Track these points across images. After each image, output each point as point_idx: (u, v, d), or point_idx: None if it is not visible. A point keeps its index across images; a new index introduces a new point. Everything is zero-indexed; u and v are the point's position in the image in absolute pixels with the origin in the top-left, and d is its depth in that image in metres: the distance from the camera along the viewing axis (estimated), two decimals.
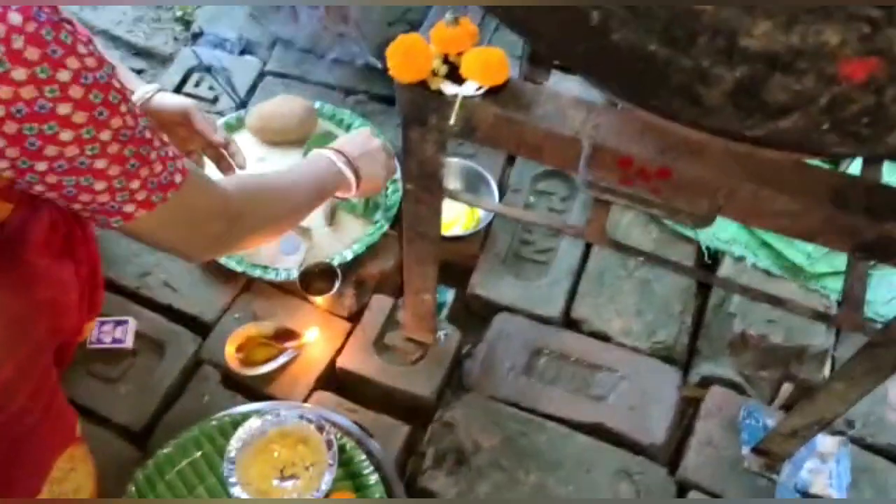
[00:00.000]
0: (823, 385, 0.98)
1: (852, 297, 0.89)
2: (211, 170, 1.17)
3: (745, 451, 1.20)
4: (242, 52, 1.66)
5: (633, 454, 1.20)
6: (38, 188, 0.73)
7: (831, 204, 0.72)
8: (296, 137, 1.45)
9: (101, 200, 0.76)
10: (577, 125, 0.75)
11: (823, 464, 1.18)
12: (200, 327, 1.28)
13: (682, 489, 1.17)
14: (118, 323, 1.23)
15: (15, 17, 0.64)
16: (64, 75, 0.66)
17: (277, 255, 1.32)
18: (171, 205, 0.80)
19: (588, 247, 1.41)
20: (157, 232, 0.83)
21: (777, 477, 1.18)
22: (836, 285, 1.35)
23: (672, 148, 0.74)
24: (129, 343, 1.22)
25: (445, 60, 0.77)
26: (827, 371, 1.29)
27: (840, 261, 1.37)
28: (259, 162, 1.44)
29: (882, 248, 0.72)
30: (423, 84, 0.76)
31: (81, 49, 0.68)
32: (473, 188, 1.43)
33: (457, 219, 1.41)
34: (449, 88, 0.75)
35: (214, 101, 1.58)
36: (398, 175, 1.36)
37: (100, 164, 0.72)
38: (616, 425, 1.22)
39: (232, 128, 1.47)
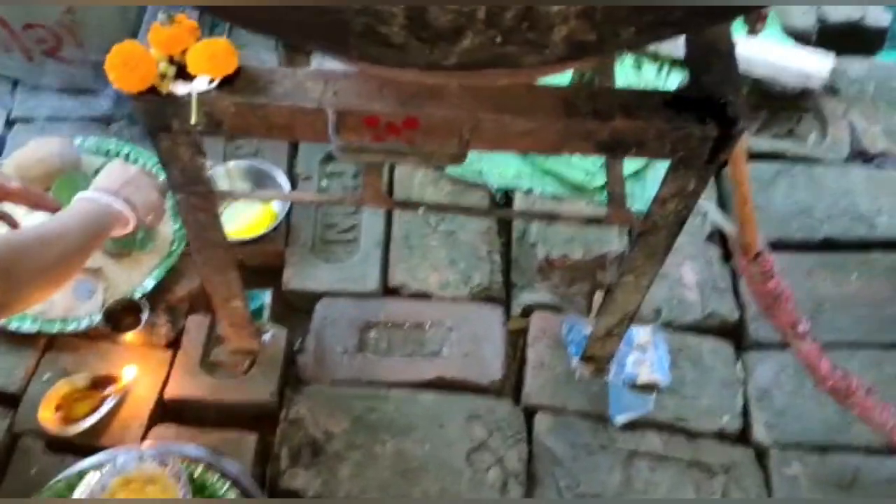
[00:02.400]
0: (616, 282, 1.06)
1: (615, 195, 0.97)
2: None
3: (574, 362, 1.28)
4: None
5: (478, 396, 1.25)
6: None
7: (564, 115, 0.78)
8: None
9: None
10: (318, 95, 0.76)
11: (644, 354, 1.28)
12: (8, 400, 1.19)
13: (529, 414, 1.24)
14: None
15: None
16: None
17: (73, 304, 1.25)
18: None
19: (389, 216, 1.44)
20: None
21: (607, 378, 1.27)
22: None
23: (412, 98, 0.77)
24: None
25: (171, 61, 0.75)
26: None
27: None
28: (28, 215, 1.34)
29: (616, 143, 0.79)
30: (153, 90, 0.75)
31: None
32: (262, 187, 1.42)
33: (255, 221, 1.39)
34: (180, 88, 0.74)
35: None
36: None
37: None
38: (455, 375, 1.26)
39: None
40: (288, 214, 1.39)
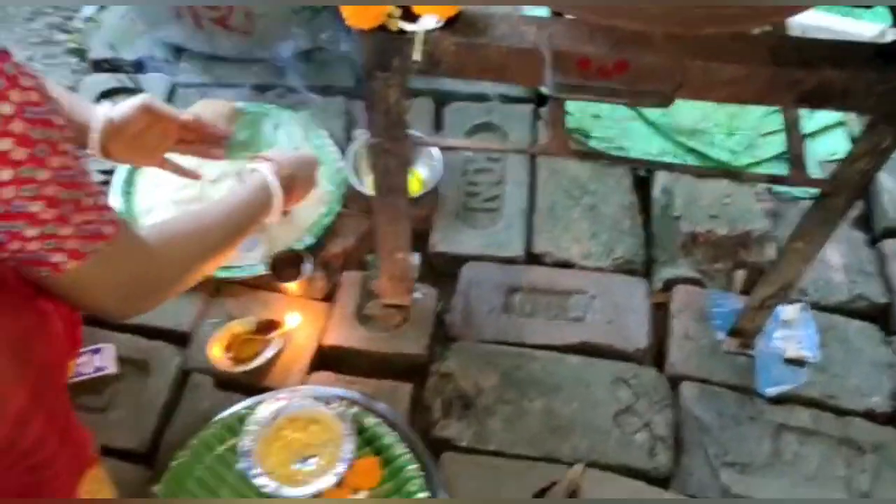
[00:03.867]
0: (785, 246, 1.06)
1: (796, 157, 0.98)
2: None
3: (721, 335, 1.28)
4: (146, 72, 1.63)
5: (622, 362, 1.26)
6: None
7: (772, 63, 0.79)
8: None
9: (30, 248, 0.72)
10: (534, 38, 0.80)
11: (792, 330, 1.28)
12: (180, 339, 1.26)
13: (674, 382, 1.25)
14: (95, 351, 1.20)
15: None
16: (5, 108, 0.64)
17: (237, 255, 1.31)
18: (101, 257, 0.77)
19: (533, 186, 1.47)
20: (87, 287, 0.79)
21: (753, 352, 1.27)
22: (761, 174, 1.46)
23: (622, 43, 0.80)
24: (112, 368, 1.19)
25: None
26: (771, 251, 1.39)
27: (760, 150, 1.49)
28: (197, 168, 1.42)
29: (821, 94, 0.80)
30: (382, 28, 0.80)
31: (25, 82, 0.66)
32: (413, 156, 1.47)
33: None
34: (409, 26, 0.79)
35: None
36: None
37: (34, 207, 0.69)
38: (600, 340, 1.28)
39: None
40: (436, 183, 1.43)
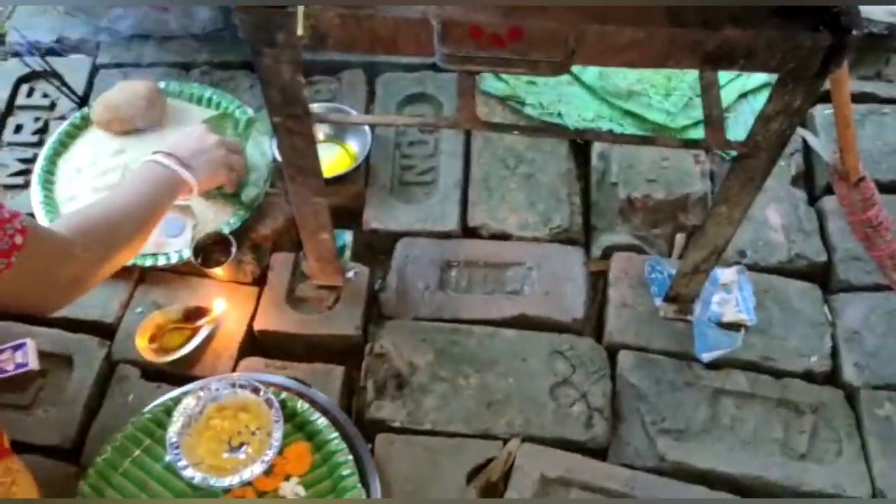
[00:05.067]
0: (709, 213, 1.04)
1: (712, 118, 0.95)
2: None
3: (658, 301, 1.27)
4: (67, 52, 1.58)
5: (559, 334, 1.25)
6: None
7: (670, 24, 0.76)
8: (147, 122, 1.40)
9: None
10: (423, 7, 0.76)
11: (728, 293, 1.27)
12: (104, 330, 1.23)
13: (612, 352, 1.23)
14: (15, 348, 1.17)
15: None
16: None
17: (163, 240, 1.28)
18: (18, 266, 0.80)
19: (467, 158, 1.44)
20: (11, 294, 0.82)
21: (691, 317, 1.25)
22: (698, 134, 1.43)
23: (515, 9, 0.76)
24: (33, 365, 1.16)
25: None
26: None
27: (696, 111, 1.46)
28: (118, 155, 1.38)
29: (726, 54, 0.77)
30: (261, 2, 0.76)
31: None
32: (342, 130, 1.43)
33: (335, 163, 1.41)
34: None
35: (52, 107, 1.50)
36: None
37: None
38: (537, 312, 1.26)
39: (78, 128, 1.41)
40: (367, 157, 1.40)
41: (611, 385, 1.20)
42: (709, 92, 0.96)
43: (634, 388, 1.19)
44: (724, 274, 1.28)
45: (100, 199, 1.08)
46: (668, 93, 1.46)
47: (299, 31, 0.76)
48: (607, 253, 1.35)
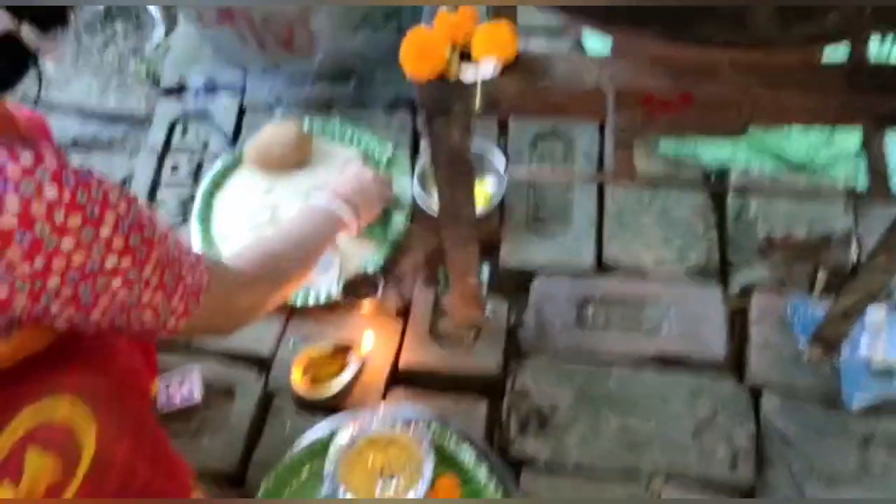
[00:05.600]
0: (866, 261, 1.02)
1: (877, 172, 0.94)
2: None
3: (803, 343, 1.25)
4: (215, 93, 1.68)
5: (700, 374, 1.25)
6: (91, 330, 0.78)
7: (846, 90, 0.76)
8: (295, 162, 1.48)
9: (148, 325, 0.81)
10: (595, 77, 0.79)
11: (877, 334, 1.23)
12: (260, 362, 1.31)
13: (755, 394, 1.22)
14: (182, 381, 1.25)
15: (50, 192, 0.67)
16: (105, 231, 0.71)
17: (314, 276, 1.34)
18: (203, 304, 0.86)
19: (601, 193, 1.45)
20: (196, 329, 0.89)
21: (838, 360, 1.23)
22: (839, 170, 1.40)
23: (685, 74, 0.78)
24: (198, 397, 1.24)
25: (453, 48, 0.80)
26: (854, 251, 1.34)
27: (837, 147, 1.43)
28: (267, 193, 1.46)
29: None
30: (440, 77, 0.80)
31: (112, 198, 0.72)
32: (478, 168, 1.47)
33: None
34: (468, 74, 0.79)
35: (204, 147, 1.60)
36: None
37: (146, 297, 0.78)
38: (676, 351, 1.27)
39: (231, 168, 1.50)
40: (502, 196, 1.43)
41: (755, 428, 1.19)
42: (873, 143, 0.94)
43: (780, 432, 1.18)
44: (873, 313, 1.25)
45: (269, 235, 1.16)
46: (808, 127, 1.43)
47: (476, 106, 0.79)
48: (745, 290, 1.34)
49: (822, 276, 1.35)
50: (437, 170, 0.94)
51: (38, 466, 0.76)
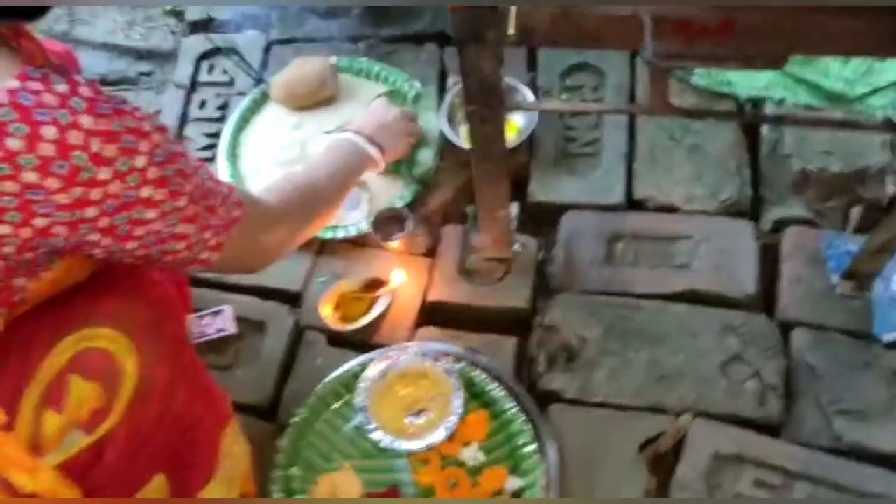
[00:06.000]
0: None
1: None
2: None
3: (835, 278, 1.23)
4: (242, 29, 1.66)
5: (730, 310, 1.24)
6: (127, 260, 0.79)
7: (890, 14, 0.73)
8: (322, 97, 1.47)
9: (181, 257, 0.82)
10: (632, 2, 0.77)
11: None
12: (291, 297, 1.32)
13: (785, 329, 1.22)
14: (215, 313, 1.27)
15: (85, 120, 0.67)
16: (140, 161, 0.71)
17: (342, 213, 1.35)
18: (235, 238, 0.87)
19: (632, 128, 1.43)
20: (228, 263, 0.90)
21: (870, 295, 1.22)
22: (878, 102, 1.37)
23: (726, 5, 0.76)
24: (232, 329, 1.27)
25: None
26: (890, 186, 1.31)
27: (877, 77, 1.39)
28: (295, 129, 1.46)
29: None
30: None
31: (146, 127, 0.72)
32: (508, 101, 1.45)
33: None
34: None
35: (231, 83, 1.59)
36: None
37: (180, 228, 0.79)
38: (707, 287, 1.26)
39: (258, 104, 1.49)
40: (531, 129, 1.41)
41: (784, 363, 1.19)
42: None
43: (810, 367, 1.18)
44: None
45: (298, 171, 1.16)
46: (847, 59, 1.39)
47: (510, 30, 0.78)
48: (778, 226, 1.33)
49: (856, 211, 1.33)
50: (469, 102, 0.93)
51: (81, 394, 0.78)
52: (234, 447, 0.99)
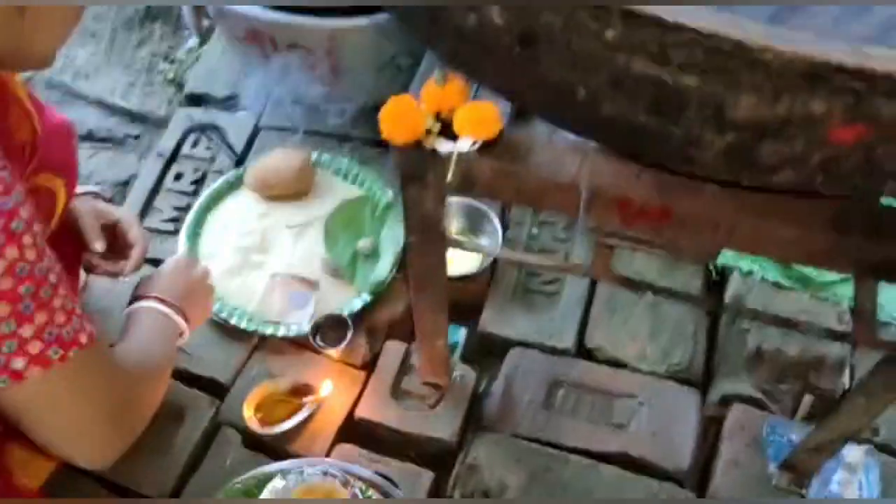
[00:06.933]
0: (845, 400, 0.97)
1: (863, 313, 0.89)
2: None
3: (772, 468, 1.19)
4: (236, 109, 1.67)
5: (659, 481, 1.19)
6: None
7: (833, 230, 0.72)
8: (294, 191, 1.46)
9: None
10: (574, 172, 0.76)
11: (852, 475, 1.17)
12: (216, 388, 1.28)
13: None
14: None
15: None
16: None
17: (288, 311, 1.32)
18: (70, 370, 0.72)
19: None
20: (53, 404, 0.74)
21: (805, 492, 1.17)
22: (846, 291, 1.35)
23: (670, 188, 0.74)
24: None
25: (437, 118, 0.78)
26: (846, 379, 1.28)
27: None
28: (261, 218, 1.45)
29: (887, 269, 0.72)
30: (417, 144, 0.77)
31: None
32: (476, 225, 1.44)
33: (463, 258, 1.41)
34: (444, 147, 0.76)
35: (211, 160, 1.59)
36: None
37: None
38: (640, 453, 1.22)
39: (232, 186, 1.49)
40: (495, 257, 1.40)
41: None
42: (863, 286, 0.90)
43: None
44: (851, 452, 1.19)
45: (127, 345, 1.02)
46: None
47: (449, 178, 0.77)
48: (725, 401, 1.29)
49: (807, 400, 1.29)
50: (408, 234, 0.91)
51: None
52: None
